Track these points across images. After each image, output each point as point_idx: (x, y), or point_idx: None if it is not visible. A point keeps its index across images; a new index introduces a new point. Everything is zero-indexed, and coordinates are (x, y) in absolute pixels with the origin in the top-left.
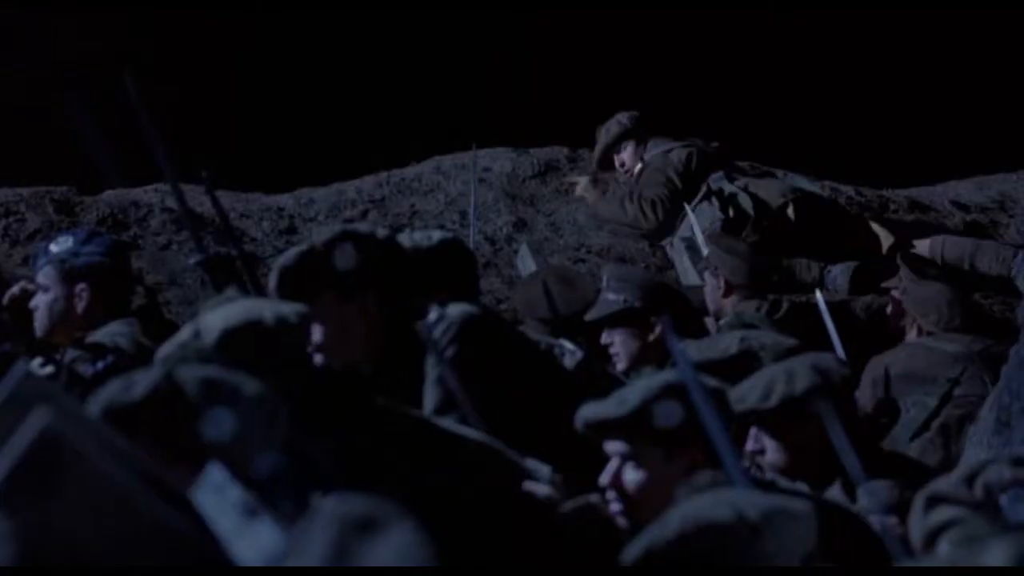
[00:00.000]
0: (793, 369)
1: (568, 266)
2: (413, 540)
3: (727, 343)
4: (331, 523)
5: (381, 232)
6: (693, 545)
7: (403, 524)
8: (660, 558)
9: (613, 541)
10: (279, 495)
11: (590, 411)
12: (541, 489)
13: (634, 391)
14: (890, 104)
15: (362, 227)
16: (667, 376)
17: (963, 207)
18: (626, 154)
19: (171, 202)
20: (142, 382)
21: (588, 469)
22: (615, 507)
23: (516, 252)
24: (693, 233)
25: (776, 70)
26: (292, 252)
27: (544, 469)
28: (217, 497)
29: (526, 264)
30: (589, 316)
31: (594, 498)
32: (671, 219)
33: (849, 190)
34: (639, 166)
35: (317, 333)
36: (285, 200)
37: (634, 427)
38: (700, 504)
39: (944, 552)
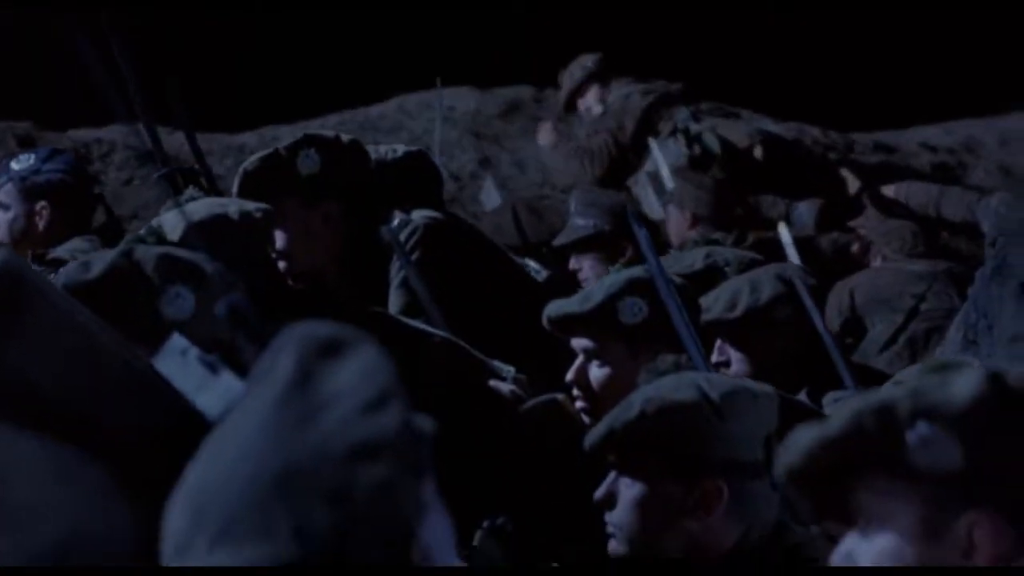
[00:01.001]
0: (758, 279)
1: (537, 199)
2: (377, 361)
3: (692, 259)
4: (294, 346)
5: (345, 137)
6: (655, 425)
7: (367, 346)
8: (622, 439)
9: (577, 436)
10: (241, 330)
11: (555, 307)
12: (504, 386)
13: (599, 287)
14: (857, 49)
15: (326, 132)
16: (632, 272)
17: (931, 148)
18: (591, 97)
19: (134, 140)
20: (100, 261)
21: (554, 372)
22: (580, 404)
23: (480, 189)
24: (658, 167)
25: (742, 10)
26: (255, 156)
27: (508, 368)
28: (179, 360)
29: (491, 198)
30: (557, 241)
31: (560, 396)
32: (615, 168)
33: (815, 131)
34: (600, 108)
35: (280, 239)
36: (248, 138)
37: (599, 323)
38: (662, 385)
39: (913, 375)
